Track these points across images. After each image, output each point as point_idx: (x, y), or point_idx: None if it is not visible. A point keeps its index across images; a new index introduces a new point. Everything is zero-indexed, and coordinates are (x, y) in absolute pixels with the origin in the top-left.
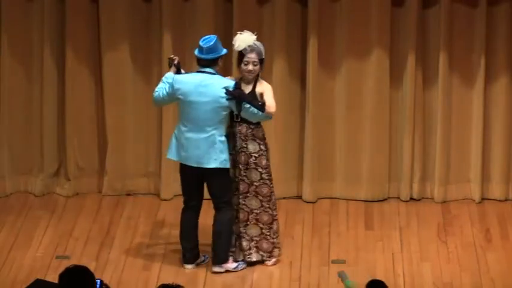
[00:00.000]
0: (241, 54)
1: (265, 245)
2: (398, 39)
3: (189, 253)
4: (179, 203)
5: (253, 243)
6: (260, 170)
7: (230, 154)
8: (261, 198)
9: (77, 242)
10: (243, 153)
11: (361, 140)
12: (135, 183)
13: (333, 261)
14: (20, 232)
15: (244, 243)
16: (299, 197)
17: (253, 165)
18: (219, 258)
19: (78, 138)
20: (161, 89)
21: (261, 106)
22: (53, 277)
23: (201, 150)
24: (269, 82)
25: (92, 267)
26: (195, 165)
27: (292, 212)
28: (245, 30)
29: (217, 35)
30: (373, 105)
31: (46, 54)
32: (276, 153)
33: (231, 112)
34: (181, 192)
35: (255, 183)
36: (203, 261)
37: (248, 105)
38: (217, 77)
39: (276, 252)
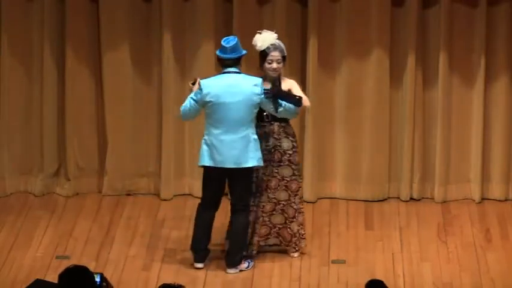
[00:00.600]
0: (264, 53)
1: (286, 233)
2: (399, 39)
3: (204, 252)
4: (179, 203)
5: (275, 230)
6: (293, 166)
7: (263, 154)
8: (289, 192)
9: (76, 242)
10: (277, 152)
11: (361, 140)
12: (135, 183)
13: (333, 261)
14: (20, 232)
15: (263, 230)
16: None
17: (287, 162)
18: (235, 261)
19: (78, 138)
20: (188, 100)
21: (298, 101)
22: (52, 277)
23: (238, 150)
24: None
25: (91, 267)
26: (233, 166)
27: None
28: (264, 30)
29: (217, 35)
30: (373, 105)
31: (46, 54)
32: None
33: (260, 112)
34: (183, 192)
35: (286, 179)
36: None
37: (284, 102)
38: (245, 76)
39: (302, 243)
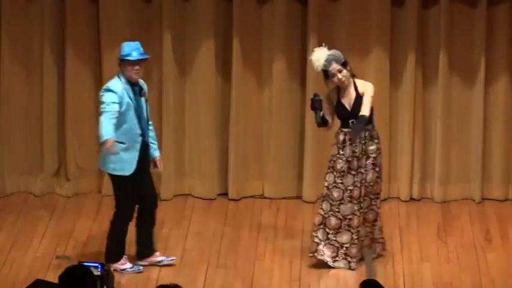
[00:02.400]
0: (325, 71)
1: (366, 241)
2: (398, 39)
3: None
4: (179, 203)
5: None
6: (377, 169)
7: (347, 161)
8: (372, 196)
9: (77, 242)
10: (364, 157)
11: None
12: None
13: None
14: (20, 232)
15: (353, 251)
16: (299, 197)
17: (370, 166)
18: (106, 258)
19: (78, 138)
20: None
21: (365, 121)
22: (53, 277)
23: None
24: (269, 82)
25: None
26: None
27: (292, 212)
28: (314, 49)
29: (217, 35)
30: (372, 105)
31: (46, 54)
32: (275, 153)
33: (345, 118)
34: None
35: (371, 184)
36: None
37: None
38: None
39: (379, 247)
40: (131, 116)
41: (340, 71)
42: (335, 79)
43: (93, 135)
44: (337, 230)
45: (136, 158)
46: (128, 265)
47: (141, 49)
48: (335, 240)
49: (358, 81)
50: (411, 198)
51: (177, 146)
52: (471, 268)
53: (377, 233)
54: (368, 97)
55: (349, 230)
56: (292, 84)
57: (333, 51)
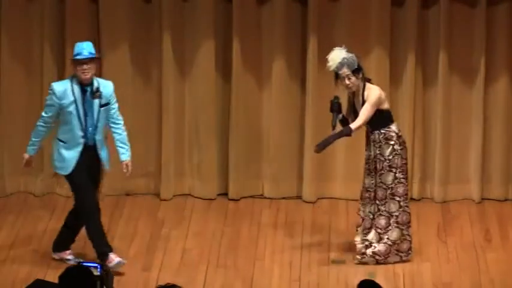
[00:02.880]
0: (336, 73)
1: (405, 245)
2: (398, 39)
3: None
4: (179, 203)
5: (394, 247)
6: (394, 170)
7: (366, 163)
8: (398, 199)
9: (76, 242)
10: (378, 160)
11: (360, 140)
12: (134, 183)
13: (333, 261)
14: (20, 232)
15: (383, 248)
16: (299, 197)
17: (387, 168)
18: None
19: None
20: None
21: (346, 133)
22: (53, 277)
23: None
24: (269, 82)
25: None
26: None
27: (292, 212)
28: (335, 48)
29: (217, 35)
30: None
31: (46, 54)
32: (275, 153)
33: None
34: (183, 192)
35: (391, 186)
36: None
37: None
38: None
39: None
40: (73, 117)
41: (349, 78)
42: (343, 83)
43: None
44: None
45: (76, 159)
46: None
47: (91, 49)
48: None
49: (368, 87)
50: (411, 198)
51: (176, 146)
52: (471, 268)
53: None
54: (365, 110)
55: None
56: (292, 85)
57: (349, 56)
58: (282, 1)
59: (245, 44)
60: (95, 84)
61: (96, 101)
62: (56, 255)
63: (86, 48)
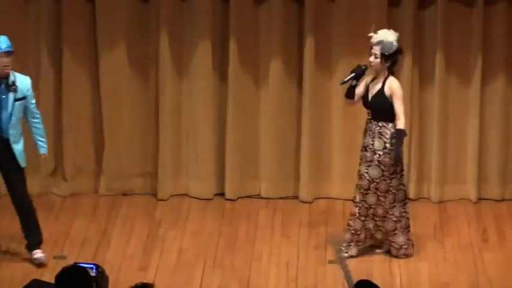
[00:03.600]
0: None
1: (379, 236)
2: None
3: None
4: (176, 203)
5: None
6: (382, 167)
7: (361, 150)
8: (378, 193)
9: (73, 242)
10: (369, 150)
11: (357, 140)
12: (131, 183)
13: (330, 262)
14: (17, 232)
15: (362, 236)
16: (296, 197)
17: (376, 163)
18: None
19: (75, 138)
20: None
21: (404, 134)
22: (49, 277)
23: None
24: (266, 82)
25: (88, 262)
26: None
27: (289, 212)
28: (390, 30)
29: (214, 35)
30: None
31: (43, 55)
32: (272, 153)
33: (366, 108)
34: (180, 192)
35: (376, 181)
36: None
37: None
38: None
39: (410, 249)
40: None
41: (375, 56)
42: (369, 58)
43: (90, 135)
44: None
45: None
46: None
47: (8, 42)
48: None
49: (391, 79)
50: (408, 198)
51: (173, 145)
52: (468, 268)
53: (390, 226)
54: (399, 105)
55: (358, 218)
56: (289, 85)
57: (393, 42)
58: (279, 1)
59: (242, 44)
60: (11, 78)
61: (11, 95)
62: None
63: (4, 42)
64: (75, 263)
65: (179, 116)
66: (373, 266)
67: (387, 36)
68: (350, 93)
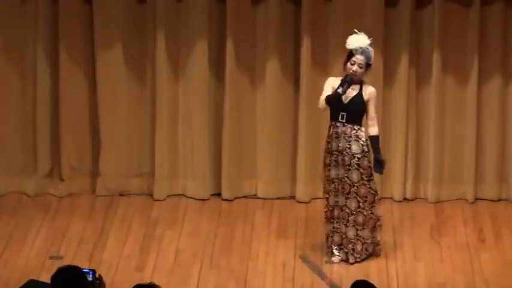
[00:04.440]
0: (351, 54)
1: (358, 247)
2: (392, 39)
3: None
4: (173, 203)
5: (350, 246)
6: (362, 171)
7: (333, 155)
8: (358, 199)
9: (70, 242)
10: (347, 154)
11: None
12: (128, 183)
13: (327, 262)
14: (14, 233)
15: (336, 238)
16: (292, 197)
17: (355, 166)
18: None
19: (71, 138)
20: None
21: (377, 140)
22: (46, 278)
23: None
24: (262, 82)
25: (85, 267)
26: None
27: (286, 212)
28: (362, 33)
29: (211, 35)
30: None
31: (40, 55)
32: (269, 153)
33: (335, 111)
34: (176, 193)
35: (356, 184)
36: None
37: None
38: None
39: (371, 247)
40: None
41: (360, 66)
42: (351, 67)
43: (87, 135)
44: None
45: None
46: None
47: None
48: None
49: (366, 85)
50: (404, 199)
51: (170, 146)
52: (465, 268)
53: (367, 235)
54: (374, 110)
55: (328, 221)
56: (285, 85)
57: (370, 49)
58: (275, 1)
59: (239, 44)
60: None
61: None
62: None
63: None
64: (70, 265)
65: (176, 116)
66: (370, 266)
67: (365, 42)
68: (335, 102)
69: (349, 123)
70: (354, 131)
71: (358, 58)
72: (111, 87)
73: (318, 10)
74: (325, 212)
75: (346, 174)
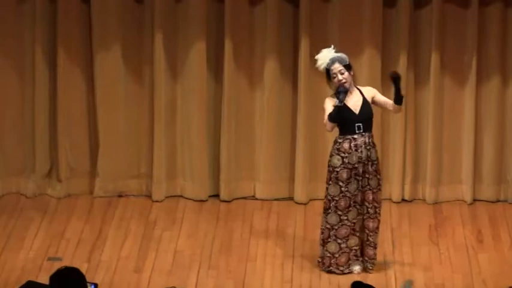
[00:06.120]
0: (327, 71)
1: (371, 252)
2: (390, 40)
3: None
4: (171, 204)
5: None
6: (378, 176)
7: (353, 168)
8: (375, 205)
9: (68, 243)
10: (370, 163)
11: None
12: (126, 184)
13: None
14: (12, 233)
15: (371, 252)
16: (291, 198)
17: (374, 173)
18: None
19: (69, 139)
20: None
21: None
22: (44, 279)
23: None
24: (261, 83)
25: (83, 269)
26: None
27: (284, 213)
28: (322, 50)
29: (209, 36)
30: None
31: (38, 55)
32: (267, 154)
33: (351, 123)
34: (175, 194)
35: (374, 190)
36: None
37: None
38: None
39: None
40: None
41: (341, 72)
42: (336, 80)
43: (85, 136)
44: (347, 238)
45: None
46: None
47: None
48: (346, 247)
49: (360, 87)
50: (403, 200)
51: (168, 146)
52: (463, 269)
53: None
54: (384, 97)
55: (354, 234)
56: (284, 85)
57: (339, 54)
58: (274, 2)
59: (237, 45)
60: None
61: None
62: None
63: None
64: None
65: (174, 117)
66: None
67: (330, 53)
68: (338, 115)
69: (366, 132)
70: (371, 139)
71: (335, 67)
72: (110, 88)
73: (316, 11)
74: (322, 230)
75: (368, 183)
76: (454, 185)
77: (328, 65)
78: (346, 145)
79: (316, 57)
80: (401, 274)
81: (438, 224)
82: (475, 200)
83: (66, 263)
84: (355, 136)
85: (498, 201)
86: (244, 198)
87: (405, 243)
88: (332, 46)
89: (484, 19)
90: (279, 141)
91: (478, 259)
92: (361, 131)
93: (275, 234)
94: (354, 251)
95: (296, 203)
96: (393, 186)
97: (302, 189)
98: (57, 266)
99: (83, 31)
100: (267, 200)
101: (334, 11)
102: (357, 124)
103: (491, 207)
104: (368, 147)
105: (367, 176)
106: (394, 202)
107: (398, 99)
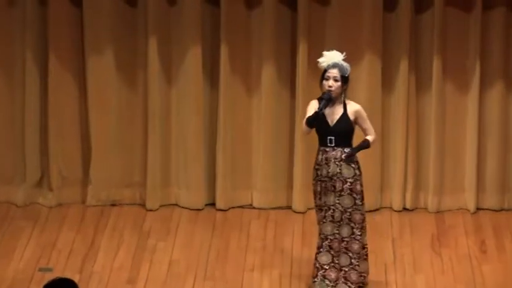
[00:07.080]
0: (324, 71)
1: (353, 276)
2: (391, 44)
3: None
4: (166, 213)
5: (341, 274)
6: (354, 195)
7: (323, 181)
8: (352, 225)
9: (60, 253)
10: (337, 179)
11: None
12: (120, 193)
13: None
14: (2, 243)
15: (333, 274)
16: (289, 207)
17: (348, 191)
18: None
19: (61, 146)
20: None
21: (366, 145)
22: None
23: None
24: (258, 88)
25: (75, 279)
26: None
27: (282, 222)
28: (334, 50)
29: (204, 40)
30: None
31: (28, 60)
32: (265, 161)
33: (323, 136)
34: (169, 202)
35: (348, 210)
36: None
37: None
38: None
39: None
40: None
41: (335, 79)
42: (326, 82)
43: (77, 143)
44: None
45: None
46: None
47: None
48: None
49: (350, 103)
50: (404, 208)
51: (163, 154)
52: (466, 280)
53: (363, 265)
54: (368, 124)
55: (329, 252)
56: (281, 91)
57: (345, 63)
58: (271, 6)
59: (233, 49)
60: None
61: None
62: None
63: None
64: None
65: (168, 123)
66: (368, 278)
67: (338, 57)
68: (314, 122)
69: (339, 147)
70: (344, 154)
71: (332, 72)
72: (102, 94)
73: (314, 14)
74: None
75: (338, 201)
76: (456, 193)
77: (328, 66)
78: (319, 157)
79: (323, 52)
80: (402, 285)
81: (441, 234)
82: (478, 208)
83: (58, 273)
84: (327, 149)
85: (502, 209)
86: (241, 207)
87: (406, 253)
88: (344, 53)
89: (487, 23)
90: (277, 149)
91: (482, 270)
92: (333, 144)
93: (272, 243)
94: (323, 270)
95: (294, 212)
96: (394, 194)
97: (300, 198)
98: (48, 277)
99: (75, 35)
100: (264, 208)
101: (333, 15)
102: (329, 137)
103: (495, 216)
104: (338, 163)
105: (337, 193)
106: (395, 211)
107: (347, 155)
